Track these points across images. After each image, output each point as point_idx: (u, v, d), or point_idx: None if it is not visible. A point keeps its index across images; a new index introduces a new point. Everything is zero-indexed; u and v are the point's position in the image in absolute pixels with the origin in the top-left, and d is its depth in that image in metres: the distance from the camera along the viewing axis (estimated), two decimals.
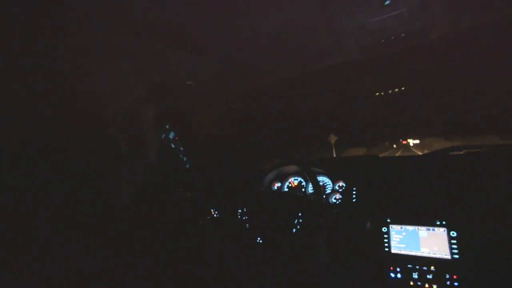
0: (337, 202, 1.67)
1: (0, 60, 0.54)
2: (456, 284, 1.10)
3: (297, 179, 1.89)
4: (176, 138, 2.23)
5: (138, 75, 0.62)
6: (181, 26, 0.97)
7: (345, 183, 1.68)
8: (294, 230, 1.35)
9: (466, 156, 1.56)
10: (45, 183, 0.51)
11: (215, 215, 1.88)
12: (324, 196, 1.72)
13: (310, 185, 1.81)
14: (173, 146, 2.26)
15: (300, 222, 1.34)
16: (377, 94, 1.35)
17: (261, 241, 1.48)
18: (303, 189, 1.84)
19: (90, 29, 0.65)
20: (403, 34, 1.08)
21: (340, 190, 1.70)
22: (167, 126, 2.07)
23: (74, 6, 0.67)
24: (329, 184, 1.77)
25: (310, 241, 1.31)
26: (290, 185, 1.90)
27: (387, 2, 0.89)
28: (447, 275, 1.13)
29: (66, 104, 0.51)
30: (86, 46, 0.58)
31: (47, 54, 0.53)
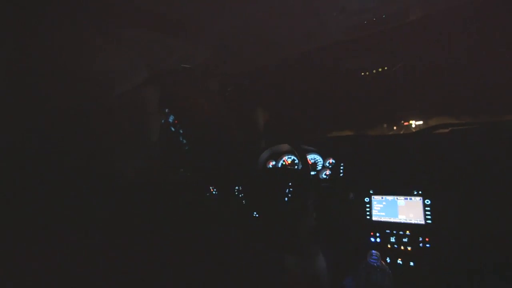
0: (327, 178, 1.78)
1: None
2: (427, 245, 1.23)
3: (290, 157, 2.00)
4: (176, 121, 2.32)
5: (139, 61, 0.70)
6: (175, 12, 1.04)
7: (334, 160, 1.79)
8: (286, 198, 1.47)
9: (450, 134, 1.65)
10: (50, 166, 0.59)
11: (214, 192, 2.01)
12: (315, 172, 1.84)
13: None
14: (173, 129, 2.35)
15: (291, 191, 1.46)
16: (363, 74, 1.42)
17: (257, 215, 1.61)
18: (296, 167, 1.95)
19: (91, 17, 0.72)
20: (384, 15, 1.14)
21: (330, 166, 1.81)
22: (166, 110, 2.15)
23: None
24: (320, 161, 1.87)
25: (301, 207, 1.42)
26: (284, 163, 2.01)
27: None
28: (420, 238, 1.25)
29: (70, 87, 0.58)
30: (90, 33, 0.65)
31: (51, 41, 0.60)
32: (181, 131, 2.36)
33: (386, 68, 1.33)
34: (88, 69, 0.62)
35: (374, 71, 1.38)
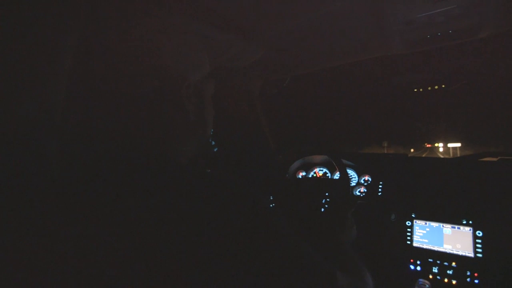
0: (362, 195, 1.71)
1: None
2: (476, 281, 1.13)
3: (322, 170, 1.94)
4: (211, 120, 2.34)
5: (204, 55, 0.71)
6: (231, 11, 1.04)
7: (371, 177, 1.71)
8: (322, 209, 1.41)
9: (499, 163, 1.54)
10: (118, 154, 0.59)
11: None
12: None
13: (335, 176, 1.86)
14: None
15: (328, 201, 1.39)
16: (416, 90, 1.34)
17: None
18: None
19: (165, 12, 0.73)
20: (450, 31, 1.09)
21: (366, 184, 1.73)
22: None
23: None
24: (355, 177, 1.80)
25: (340, 218, 1.35)
26: (315, 174, 1.95)
27: None
28: (468, 272, 1.15)
29: (145, 76, 0.60)
30: (167, 29, 0.67)
31: (134, 35, 0.61)
32: (211, 132, 2.37)
33: (443, 86, 1.26)
34: (161, 60, 0.63)
35: (429, 88, 1.30)
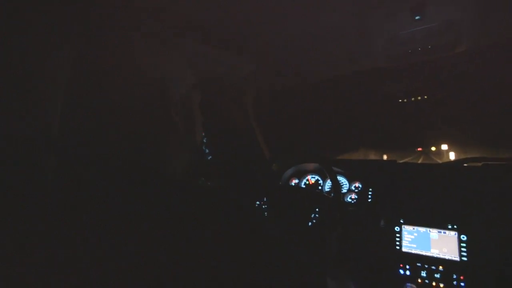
0: (352, 202, 1.75)
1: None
2: (462, 284, 1.17)
3: (314, 177, 1.98)
4: (200, 129, 2.37)
5: (189, 68, 0.74)
6: (224, 27, 1.09)
7: (361, 184, 1.76)
8: (310, 224, 1.44)
9: (482, 168, 1.60)
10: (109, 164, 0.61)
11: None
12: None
13: (327, 184, 1.90)
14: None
15: (317, 217, 1.43)
16: (400, 101, 1.41)
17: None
18: (319, 187, 1.93)
19: (151, 27, 0.77)
20: (429, 46, 1.16)
21: (356, 190, 1.78)
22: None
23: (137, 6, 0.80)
24: (346, 184, 1.85)
25: (323, 236, 1.39)
26: (307, 182, 2.00)
27: (417, 17, 0.97)
28: (454, 275, 1.20)
29: (133, 89, 0.63)
30: (152, 43, 0.70)
31: (115, 47, 0.64)
32: (205, 140, 2.40)
33: (426, 97, 1.32)
34: (146, 73, 0.66)
35: (413, 99, 1.37)
